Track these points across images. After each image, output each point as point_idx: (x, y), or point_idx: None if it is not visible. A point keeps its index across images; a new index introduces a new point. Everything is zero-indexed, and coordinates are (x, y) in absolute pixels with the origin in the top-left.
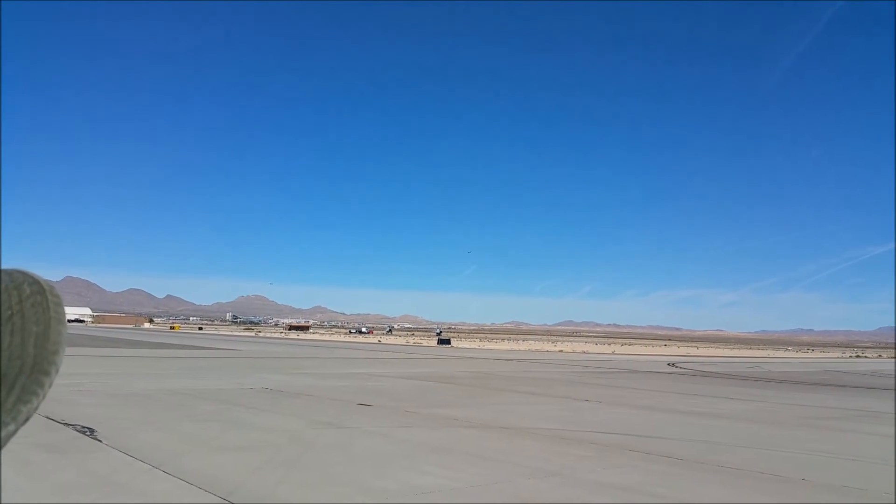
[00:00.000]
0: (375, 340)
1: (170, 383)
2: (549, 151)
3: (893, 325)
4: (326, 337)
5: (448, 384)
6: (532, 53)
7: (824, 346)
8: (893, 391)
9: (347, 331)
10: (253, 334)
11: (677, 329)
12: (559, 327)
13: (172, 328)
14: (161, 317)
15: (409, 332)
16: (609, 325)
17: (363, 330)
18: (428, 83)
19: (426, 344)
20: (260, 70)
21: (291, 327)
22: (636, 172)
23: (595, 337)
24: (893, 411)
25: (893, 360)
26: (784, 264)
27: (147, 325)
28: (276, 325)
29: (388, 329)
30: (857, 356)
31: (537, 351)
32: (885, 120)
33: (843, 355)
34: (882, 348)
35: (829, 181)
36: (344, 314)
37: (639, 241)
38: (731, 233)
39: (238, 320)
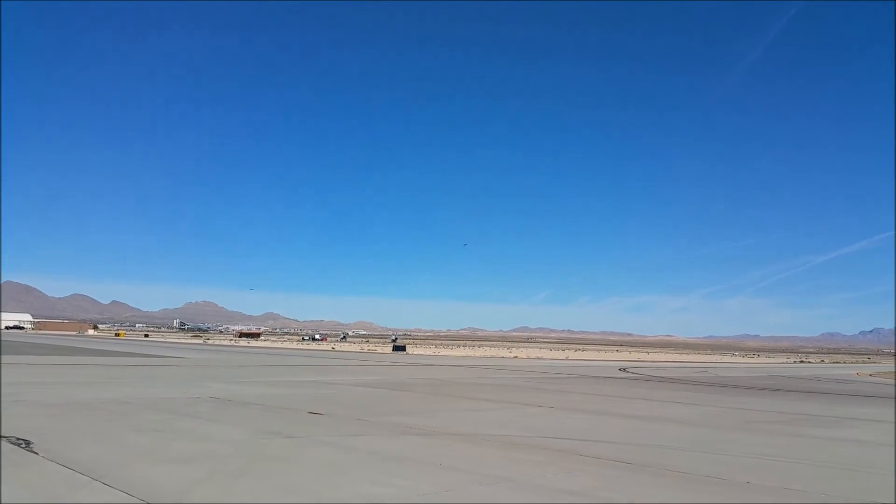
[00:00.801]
0: (329, 348)
1: (113, 392)
2: (504, 159)
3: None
4: (278, 344)
5: (402, 392)
6: (494, 62)
7: (770, 351)
8: (831, 395)
9: (300, 338)
10: (201, 342)
11: (629, 334)
12: (514, 333)
13: (117, 335)
14: (106, 323)
15: (364, 339)
16: (563, 330)
17: (316, 337)
18: (381, 90)
19: (381, 351)
20: (206, 73)
21: (242, 334)
22: (588, 180)
23: (549, 343)
24: (832, 415)
25: (893, 370)
26: (732, 271)
27: (91, 331)
28: (225, 332)
29: (342, 336)
30: (802, 361)
31: (492, 357)
32: (832, 131)
33: (788, 361)
34: (825, 353)
35: (775, 191)
36: (297, 321)
37: (592, 249)
38: (682, 240)
39: (186, 327)
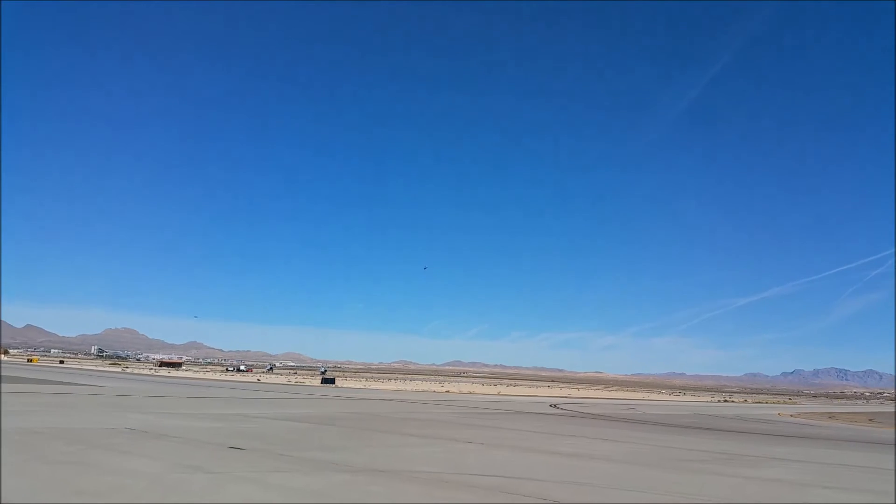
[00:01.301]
0: (255, 379)
1: (22, 422)
2: (438, 194)
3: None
4: (201, 375)
5: (329, 426)
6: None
7: (695, 389)
8: (753, 434)
9: (225, 368)
10: (120, 370)
11: (560, 370)
12: (447, 367)
13: (30, 361)
14: (18, 348)
15: (292, 371)
16: (496, 365)
17: (242, 368)
18: (323, 121)
19: (309, 383)
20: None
21: (162, 363)
22: (522, 217)
23: (482, 377)
24: (755, 454)
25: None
26: (660, 310)
27: (2, 356)
28: (145, 360)
29: (268, 367)
30: (726, 401)
31: (424, 391)
32: (756, 174)
33: (713, 399)
34: (748, 393)
35: (703, 233)
36: (222, 351)
37: (524, 284)
38: (613, 278)
39: (104, 354)
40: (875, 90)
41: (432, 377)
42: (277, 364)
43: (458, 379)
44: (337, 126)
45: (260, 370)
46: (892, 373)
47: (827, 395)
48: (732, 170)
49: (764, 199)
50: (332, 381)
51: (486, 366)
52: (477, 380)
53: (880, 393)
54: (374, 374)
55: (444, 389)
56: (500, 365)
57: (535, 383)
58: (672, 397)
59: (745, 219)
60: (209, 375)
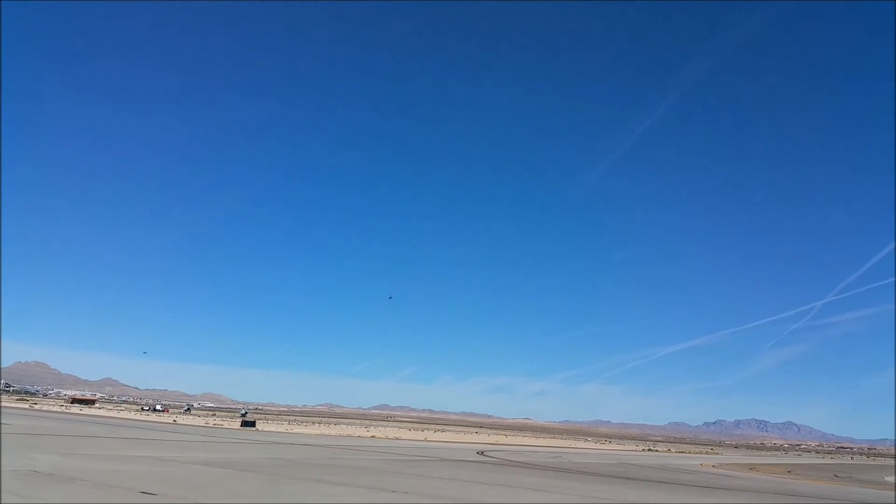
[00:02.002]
0: (171, 420)
1: None
2: (367, 234)
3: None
4: (115, 413)
5: (245, 472)
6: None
7: (620, 438)
8: (677, 485)
9: (140, 408)
10: (27, 406)
11: (489, 416)
12: (374, 411)
13: None
14: None
15: (211, 412)
16: (424, 410)
17: (158, 408)
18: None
19: (228, 426)
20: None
21: (74, 400)
22: (453, 260)
23: (409, 422)
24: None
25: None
26: (588, 357)
27: None
28: (56, 396)
29: (186, 407)
30: (649, 450)
31: (349, 436)
32: (679, 235)
33: (637, 448)
34: (671, 442)
35: (627, 281)
36: (138, 389)
37: (456, 328)
38: (543, 323)
39: (11, 389)
40: (818, 148)
41: (358, 421)
42: (195, 405)
43: (385, 423)
44: (260, 165)
45: (177, 410)
46: (810, 425)
47: (747, 446)
48: (658, 225)
49: (686, 253)
50: (252, 423)
51: (413, 410)
52: (404, 425)
53: (798, 445)
54: (297, 418)
55: (370, 434)
56: (429, 409)
57: (463, 429)
58: (598, 445)
59: (671, 270)
60: (123, 414)
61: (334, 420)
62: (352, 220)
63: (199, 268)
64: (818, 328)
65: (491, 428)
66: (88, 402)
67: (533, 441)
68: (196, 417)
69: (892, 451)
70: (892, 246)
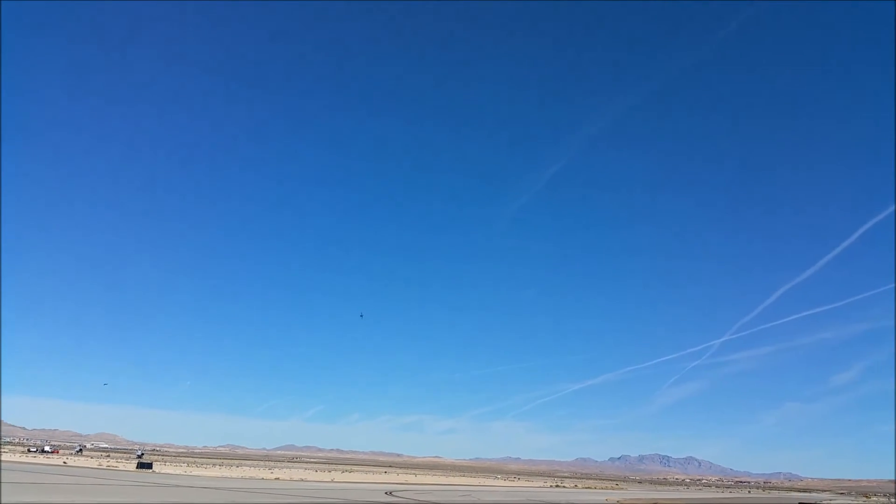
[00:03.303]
0: (61, 462)
1: None
2: (274, 269)
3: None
4: None
5: None
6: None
7: (529, 474)
8: None
9: (27, 449)
10: None
11: (399, 455)
12: (279, 452)
13: None
14: None
15: (105, 454)
16: (332, 450)
17: (47, 449)
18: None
19: (123, 467)
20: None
21: None
22: (361, 296)
23: (316, 463)
24: None
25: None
26: (498, 394)
27: None
28: None
29: (78, 448)
30: (557, 486)
31: (252, 478)
32: (584, 271)
33: (545, 485)
34: (578, 478)
35: (536, 317)
36: (24, 429)
37: (364, 364)
38: (453, 360)
39: None
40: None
41: (262, 463)
42: (88, 445)
43: (291, 464)
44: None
45: (68, 452)
46: (710, 460)
47: (651, 481)
48: (566, 261)
49: (591, 290)
50: (149, 465)
51: (321, 450)
52: (311, 465)
53: (699, 479)
54: (197, 459)
55: (274, 476)
56: (337, 449)
57: (372, 469)
58: (507, 483)
59: (580, 308)
60: (8, 457)
61: (237, 461)
62: (252, 254)
63: (91, 300)
64: (716, 366)
65: (401, 467)
66: None
67: (443, 479)
68: (89, 459)
69: (785, 485)
70: (786, 288)
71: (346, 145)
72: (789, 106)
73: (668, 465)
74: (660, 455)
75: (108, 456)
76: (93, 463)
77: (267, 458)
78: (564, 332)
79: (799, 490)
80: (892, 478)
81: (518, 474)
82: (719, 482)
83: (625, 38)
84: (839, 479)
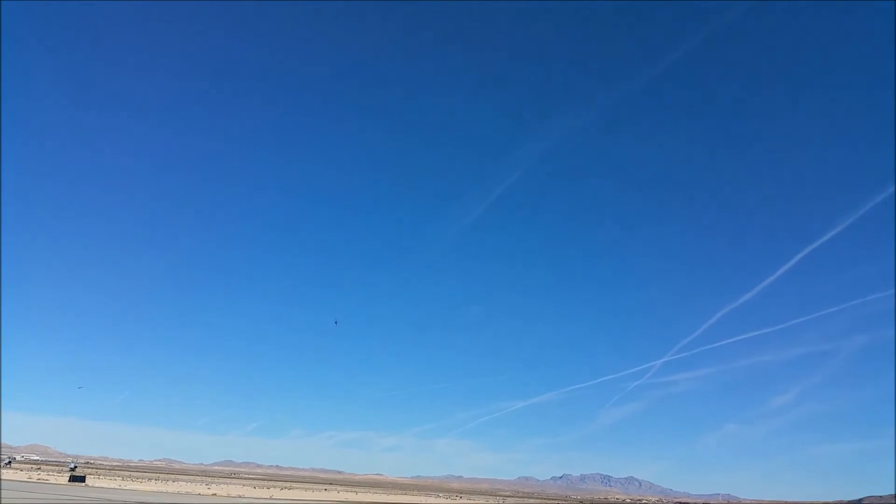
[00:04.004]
0: None
1: None
2: (214, 279)
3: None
4: None
5: None
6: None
7: (471, 493)
8: None
9: None
10: None
11: (340, 472)
12: (217, 467)
13: None
14: None
15: (35, 466)
16: (271, 466)
17: None
18: None
19: (55, 481)
20: None
21: None
22: (305, 311)
23: (255, 479)
24: None
25: None
26: (442, 411)
27: None
28: None
29: (7, 461)
30: None
31: (188, 493)
32: (534, 289)
33: (488, 503)
34: (521, 497)
35: (484, 335)
36: None
37: (307, 379)
38: (397, 376)
39: None
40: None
41: (199, 478)
42: (18, 458)
43: (229, 480)
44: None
45: None
46: (650, 480)
47: (592, 501)
48: (512, 279)
49: (536, 308)
50: (82, 479)
51: (260, 466)
52: (249, 482)
53: (640, 500)
54: (132, 473)
55: (211, 492)
56: (277, 465)
57: (312, 486)
58: (448, 501)
59: (524, 326)
60: None
61: (173, 476)
62: (194, 262)
63: (22, 305)
64: (657, 386)
65: (342, 484)
66: None
67: (383, 498)
68: (18, 472)
69: None
70: (726, 311)
71: (295, 153)
72: (729, 137)
73: (609, 485)
74: (601, 475)
75: (39, 469)
76: (22, 476)
77: (204, 474)
78: (509, 350)
79: None
80: (823, 500)
81: (460, 493)
82: (659, 502)
83: (578, 59)
84: (776, 500)
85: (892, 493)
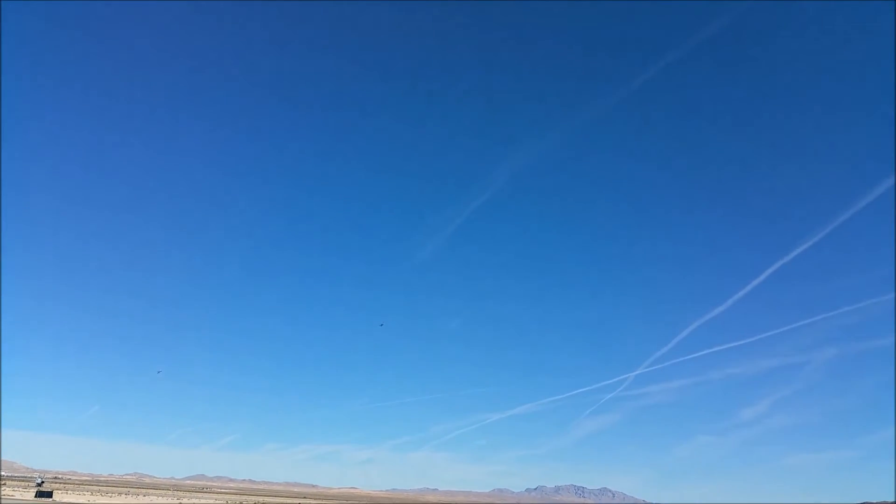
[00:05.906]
0: None
1: None
2: (190, 291)
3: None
4: None
5: None
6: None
7: None
8: None
9: None
10: None
11: (314, 486)
12: (189, 482)
13: None
14: None
15: (1, 482)
16: (244, 480)
17: None
18: None
19: (21, 496)
20: None
21: None
22: (285, 324)
23: (227, 493)
24: None
25: None
26: (418, 424)
27: None
28: None
29: None
30: None
31: None
32: (512, 297)
33: None
34: None
35: (466, 347)
36: None
37: (282, 392)
38: (372, 389)
39: None
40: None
41: (170, 492)
42: None
43: (200, 494)
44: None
45: None
46: (624, 491)
47: None
48: (489, 294)
49: (513, 322)
50: (49, 494)
51: (232, 480)
52: (221, 496)
53: None
54: (102, 488)
55: None
56: (250, 479)
57: (285, 500)
58: None
59: (498, 337)
60: None
61: (143, 490)
62: (167, 274)
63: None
64: (631, 398)
65: (315, 498)
66: None
67: None
68: None
69: None
70: (698, 324)
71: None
72: (702, 158)
73: (584, 496)
74: (575, 486)
75: (5, 484)
76: None
77: (175, 488)
78: (485, 363)
79: None
80: None
81: None
82: None
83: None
84: None
85: (861, 501)
